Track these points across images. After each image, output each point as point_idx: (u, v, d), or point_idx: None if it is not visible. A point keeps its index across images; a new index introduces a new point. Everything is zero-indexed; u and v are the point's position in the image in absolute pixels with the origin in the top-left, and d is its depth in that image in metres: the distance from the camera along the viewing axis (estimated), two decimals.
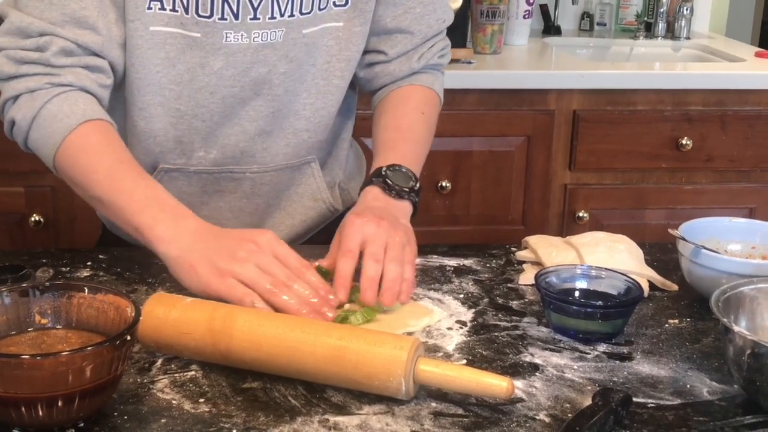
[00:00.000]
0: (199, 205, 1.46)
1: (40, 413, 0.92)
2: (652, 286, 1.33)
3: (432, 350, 1.15)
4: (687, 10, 3.17)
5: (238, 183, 1.48)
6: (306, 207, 1.55)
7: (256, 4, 1.34)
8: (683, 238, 1.29)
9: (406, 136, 1.48)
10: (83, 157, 1.29)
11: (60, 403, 0.92)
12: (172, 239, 1.22)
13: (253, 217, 1.52)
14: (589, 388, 1.07)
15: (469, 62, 2.64)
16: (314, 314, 1.17)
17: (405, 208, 1.37)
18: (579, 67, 2.68)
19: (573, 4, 3.22)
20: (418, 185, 1.40)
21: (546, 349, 1.16)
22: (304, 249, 1.30)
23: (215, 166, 1.46)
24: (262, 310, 1.15)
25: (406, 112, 1.50)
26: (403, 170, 1.39)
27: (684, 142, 2.63)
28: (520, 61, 2.79)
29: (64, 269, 1.34)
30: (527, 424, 0.99)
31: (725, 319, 1.03)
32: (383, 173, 1.38)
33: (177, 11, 1.32)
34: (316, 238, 1.58)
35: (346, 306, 1.23)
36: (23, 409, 0.91)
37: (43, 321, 1.04)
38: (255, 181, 1.49)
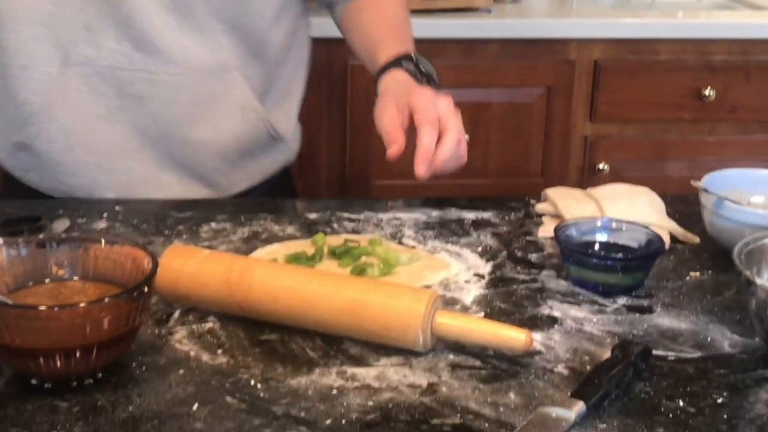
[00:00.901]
0: (119, 112, 1.43)
1: (59, 364, 0.93)
2: (673, 238, 1.33)
3: (450, 303, 1.15)
4: None
5: (155, 88, 1.42)
6: (233, 118, 1.49)
7: None
8: (706, 190, 1.29)
9: (402, 28, 1.49)
10: None
11: (78, 354, 0.93)
12: None
13: (175, 127, 1.46)
14: (609, 340, 1.07)
15: (489, 11, 2.62)
16: None
17: None
18: (601, 15, 2.66)
19: None
20: (438, 77, 1.41)
21: (565, 302, 1.16)
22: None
23: (128, 63, 1.40)
24: (278, 263, 1.15)
25: (389, 6, 1.52)
26: (424, 60, 1.40)
27: (707, 92, 2.61)
28: (540, 10, 2.77)
29: (80, 220, 1.35)
30: (545, 377, 1.00)
31: (747, 272, 1.03)
32: (414, 58, 1.38)
33: None
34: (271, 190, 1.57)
35: (363, 258, 1.23)
36: (41, 359, 0.93)
37: (61, 272, 1.05)
38: (173, 86, 1.42)
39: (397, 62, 1.39)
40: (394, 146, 1.25)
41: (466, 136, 1.31)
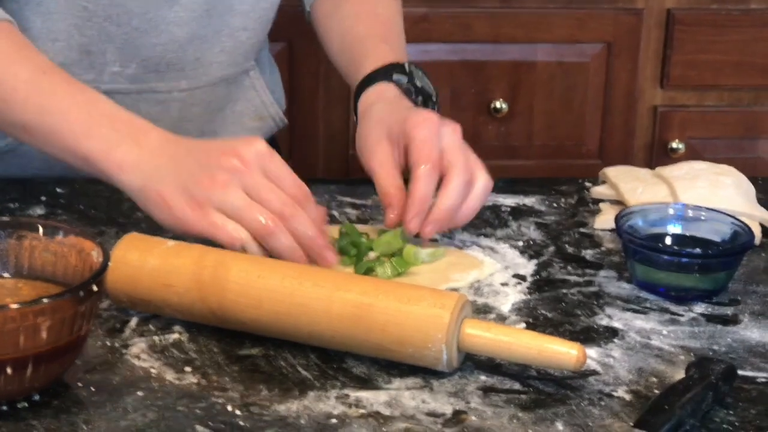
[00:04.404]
0: None
1: None
2: (765, 231, 1.33)
3: (482, 311, 1.16)
4: None
5: (164, 108, 1.48)
6: (248, 129, 1.56)
7: None
8: None
9: (393, 30, 1.50)
10: None
11: (9, 370, 0.93)
12: (134, 165, 1.20)
13: None
14: (682, 358, 1.07)
15: None
16: (315, 258, 1.17)
17: None
18: None
19: None
20: (437, 96, 1.41)
21: (628, 309, 1.17)
22: None
23: (133, 84, 1.46)
24: (261, 257, 1.16)
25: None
26: (421, 73, 1.40)
27: None
28: None
29: (11, 205, 1.36)
30: (602, 403, 1.00)
31: None
32: (407, 70, 1.38)
33: None
34: None
35: (372, 255, 1.24)
36: None
37: None
38: (184, 102, 1.49)
39: (386, 73, 1.39)
40: (394, 214, 1.24)
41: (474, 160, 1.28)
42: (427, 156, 1.23)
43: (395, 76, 1.38)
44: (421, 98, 1.38)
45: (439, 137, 1.25)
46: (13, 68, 1.27)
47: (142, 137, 1.22)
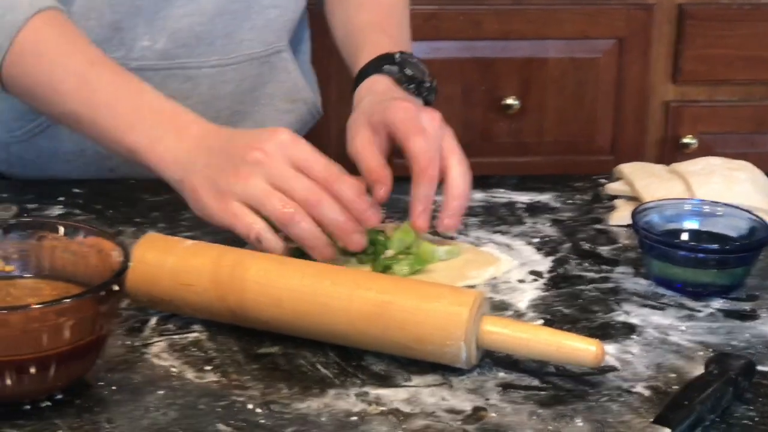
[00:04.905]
0: None
1: (8, 382, 0.94)
2: None
3: (499, 308, 1.16)
4: None
5: (194, 83, 1.50)
6: (281, 111, 1.57)
7: None
8: None
9: (394, 18, 1.51)
10: (42, 63, 1.29)
11: (32, 370, 0.94)
12: (174, 159, 1.23)
13: None
14: (701, 353, 1.08)
15: None
16: (345, 237, 1.17)
17: None
18: None
19: None
20: (435, 82, 1.41)
21: (645, 305, 1.17)
22: None
23: (164, 60, 1.47)
24: (279, 255, 1.16)
25: None
26: (414, 60, 1.40)
27: None
28: None
29: (30, 206, 1.37)
30: (621, 399, 1.00)
31: None
32: (397, 60, 1.39)
33: None
34: None
35: (389, 252, 1.24)
36: None
37: (8, 268, 1.06)
38: (214, 79, 1.50)
39: (377, 66, 1.40)
40: (382, 189, 1.24)
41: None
42: (416, 128, 1.24)
43: (386, 68, 1.39)
44: (414, 86, 1.38)
45: (418, 119, 1.26)
46: (63, 60, 1.29)
47: (184, 131, 1.24)
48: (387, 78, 1.38)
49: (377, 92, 1.36)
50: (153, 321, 1.12)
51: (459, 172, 1.25)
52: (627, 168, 1.42)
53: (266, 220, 1.17)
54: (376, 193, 1.23)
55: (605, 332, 1.11)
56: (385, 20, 1.51)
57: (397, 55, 1.39)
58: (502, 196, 1.42)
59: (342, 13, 1.55)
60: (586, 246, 1.30)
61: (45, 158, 1.50)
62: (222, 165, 1.19)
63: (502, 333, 1.03)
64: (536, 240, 1.31)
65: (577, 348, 1.01)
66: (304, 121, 1.61)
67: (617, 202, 1.40)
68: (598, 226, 1.35)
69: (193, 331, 1.11)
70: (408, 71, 1.38)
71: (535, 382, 1.03)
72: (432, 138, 1.24)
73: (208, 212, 1.19)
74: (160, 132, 1.24)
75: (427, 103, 1.38)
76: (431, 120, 1.26)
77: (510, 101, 2.58)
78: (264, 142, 1.18)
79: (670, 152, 2.65)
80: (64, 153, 1.49)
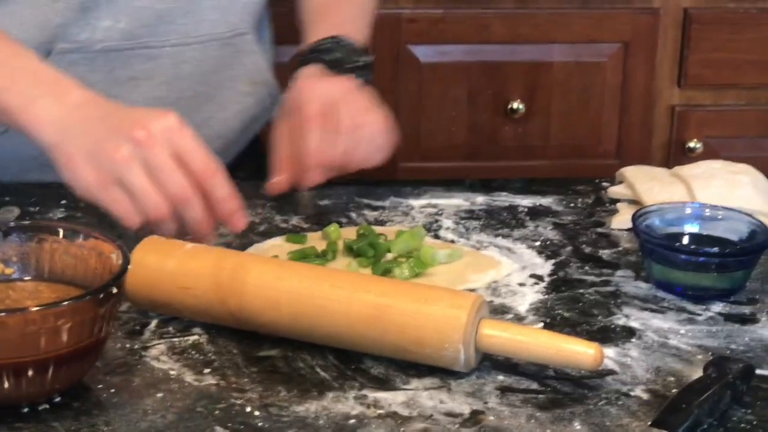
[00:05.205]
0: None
1: (6, 384, 0.94)
2: None
3: (499, 311, 1.16)
4: None
5: (156, 63, 1.49)
6: (242, 94, 1.58)
7: None
8: None
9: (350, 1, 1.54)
10: None
11: (30, 372, 0.94)
12: (50, 122, 1.19)
13: (176, 110, 1.51)
14: (700, 357, 1.08)
15: None
16: (198, 235, 1.16)
17: None
18: None
19: None
20: (369, 59, 1.44)
21: (645, 309, 1.17)
22: None
23: (126, 40, 1.46)
24: (283, 261, 1.16)
25: None
26: (344, 42, 1.43)
27: None
28: None
29: (32, 209, 1.37)
30: (620, 402, 1.00)
31: None
32: (326, 47, 1.42)
33: None
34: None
35: (389, 256, 1.24)
36: None
37: (8, 271, 1.06)
38: (176, 59, 1.50)
39: (303, 60, 1.44)
40: (274, 181, 1.30)
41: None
42: (306, 113, 1.31)
43: (311, 56, 1.43)
44: (338, 70, 1.41)
45: (318, 91, 1.33)
46: None
47: (64, 95, 1.21)
48: (313, 67, 1.42)
49: (303, 77, 1.41)
50: (153, 324, 1.12)
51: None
52: (629, 171, 1.42)
53: None
54: (269, 183, 1.31)
55: (605, 335, 1.11)
56: (334, 2, 1.53)
57: (328, 42, 1.43)
58: (504, 199, 1.42)
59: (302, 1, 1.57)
60: (587, 249, 1.30)
61: (8, 161, 1.50)
62: (103, 136, 1.16)
63: (500, 336, 1.03)
64: (537, 243, 1.31)
65: (575, 351, 1.01)
66: (264, 103, 1.61)
67: (619, 205, 1.40)
68: (600, 230, 1.35)
69: (193, 334, 1.11)
70: (325, 57, 1.42)
71: (534, 386, 1.03)
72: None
73: (83, 184, 1.16)
74: (36, 93, 1.21)
75: (366, 81, 1.42)
76: (330, 86, 1.35)
77: (516, 105, 2.58)
78: (151, 121, 1.16)
79: (676, 156, 2.65)
80: (29, 157, 1.48)
